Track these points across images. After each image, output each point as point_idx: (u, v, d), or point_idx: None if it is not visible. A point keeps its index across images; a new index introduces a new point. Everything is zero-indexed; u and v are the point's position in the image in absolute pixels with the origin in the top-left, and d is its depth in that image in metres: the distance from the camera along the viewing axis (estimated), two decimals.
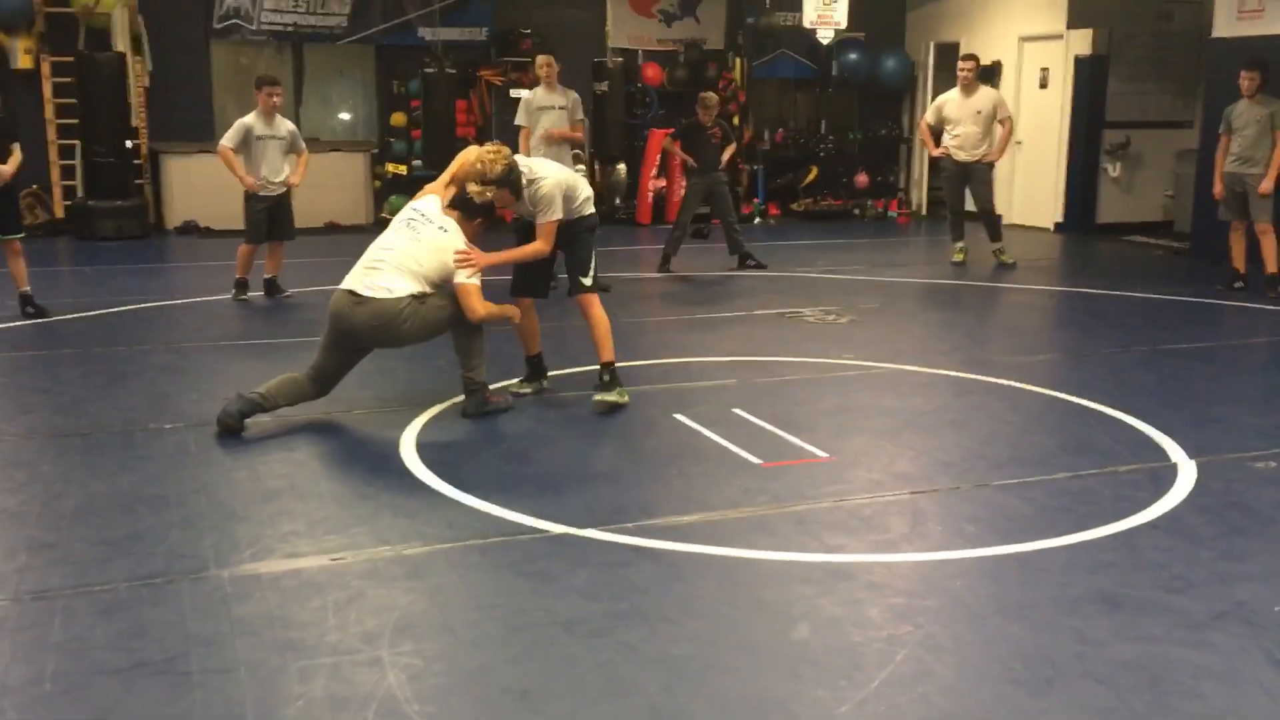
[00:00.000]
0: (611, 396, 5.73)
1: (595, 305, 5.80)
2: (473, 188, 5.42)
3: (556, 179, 5.64)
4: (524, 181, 5.53)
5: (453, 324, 5.49)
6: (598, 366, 5.81)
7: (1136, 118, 13.09)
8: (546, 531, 4.13)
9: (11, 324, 7.63)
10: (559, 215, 5.60)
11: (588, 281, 5.78)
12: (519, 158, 5.71)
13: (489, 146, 5.55)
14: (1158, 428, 5.47)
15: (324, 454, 5.14)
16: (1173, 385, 6.44)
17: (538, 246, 5.66)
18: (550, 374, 6.13)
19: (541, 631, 3.38)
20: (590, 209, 5.83)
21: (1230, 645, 3.33)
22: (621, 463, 5.18)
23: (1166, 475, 4.82)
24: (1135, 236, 12.74)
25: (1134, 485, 4.71)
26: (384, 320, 5.33)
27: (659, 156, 13.47)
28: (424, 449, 5.07)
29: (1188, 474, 4.83)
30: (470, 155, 5.70)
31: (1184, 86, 13.09)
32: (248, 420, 5.28)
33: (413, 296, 5.34)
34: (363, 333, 5.39)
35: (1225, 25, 10.80)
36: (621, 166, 13.64)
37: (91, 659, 3.18)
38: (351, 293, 5.37)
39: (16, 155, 7.73)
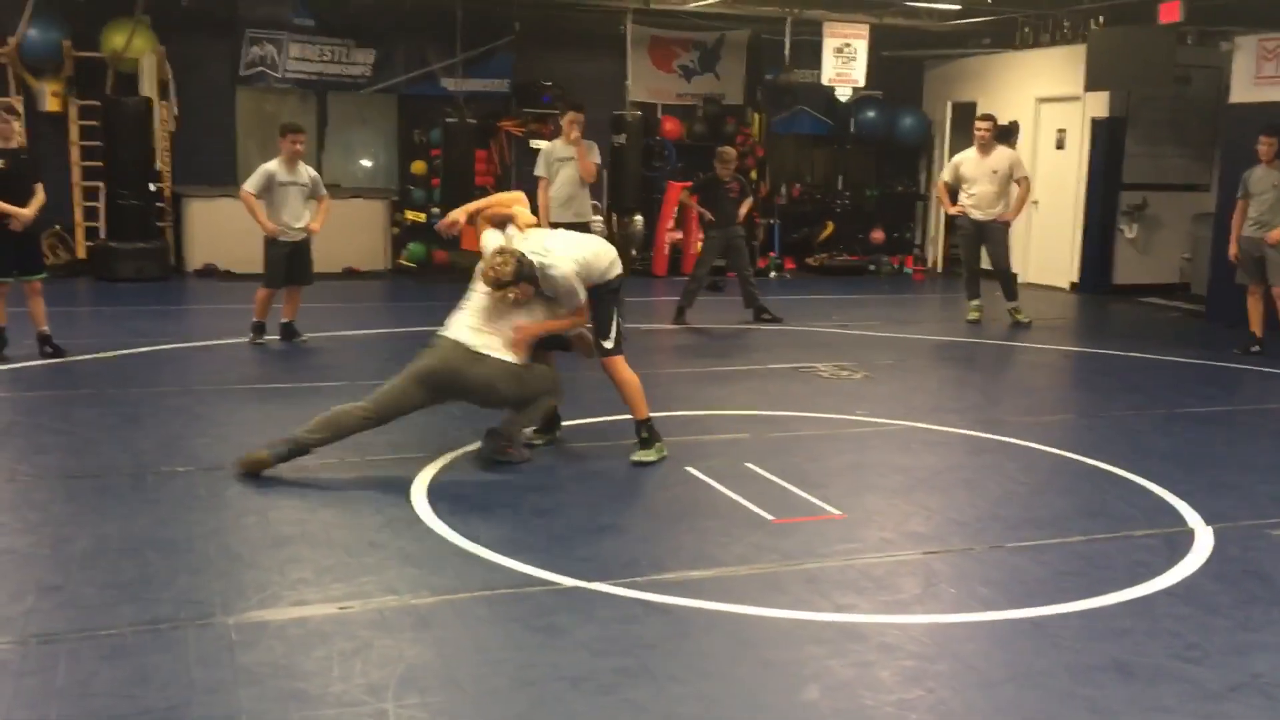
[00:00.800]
0: (650, 455, 5.71)
1: (621, 368, 5.76)
2: (496, 294, 5.46)
3: (570, 265, 5.49)
4: (535, 266, 5.46)
5: (542, 394, 5.62)
6: (622, 420, 5.76)
7: (1153, 180, 13.13)
8: (556, 584, 4.11)
9: (29, 363, 7.68)
10: (583, 299, 5.60)
11: (609, 345, 5.74)
12: (532, 234, 5.66)
13: (494, 250, 5.50)
14: (1173, 492, 5.42)
15: (335, 501, 5.13)
16: (1188, 449, 6.39)
17: (575, 319, 5.72)
18: (563, 424, 6.12)
19: (548, 687, 3.35)
20: (616, 272, 5.74)
21: (1246, 718, 3.28)
22: (632, 516, 5.16)
23: (1182, 541, 4.77)
24: (1151, 298, 12.73)
25: (1149, 551, 4.66)
26: (496, 380, 5.41)
27: (676, 209, 13.55)
28: (435, 498, 5.06)
29: (1204, 541, 4.78)
30: (504, 199, 5.85)
31: (1201, 150, 13.13)
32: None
33: (520, 364, 5.47)
34: (474, 388, 5.47)
35: (1243, 91, 10.86)
36: (639, 218, 13.72)
37: (94, 705, 3.16)
38: (470, 349, 5.42)
39: (39, 197, 7.83)
